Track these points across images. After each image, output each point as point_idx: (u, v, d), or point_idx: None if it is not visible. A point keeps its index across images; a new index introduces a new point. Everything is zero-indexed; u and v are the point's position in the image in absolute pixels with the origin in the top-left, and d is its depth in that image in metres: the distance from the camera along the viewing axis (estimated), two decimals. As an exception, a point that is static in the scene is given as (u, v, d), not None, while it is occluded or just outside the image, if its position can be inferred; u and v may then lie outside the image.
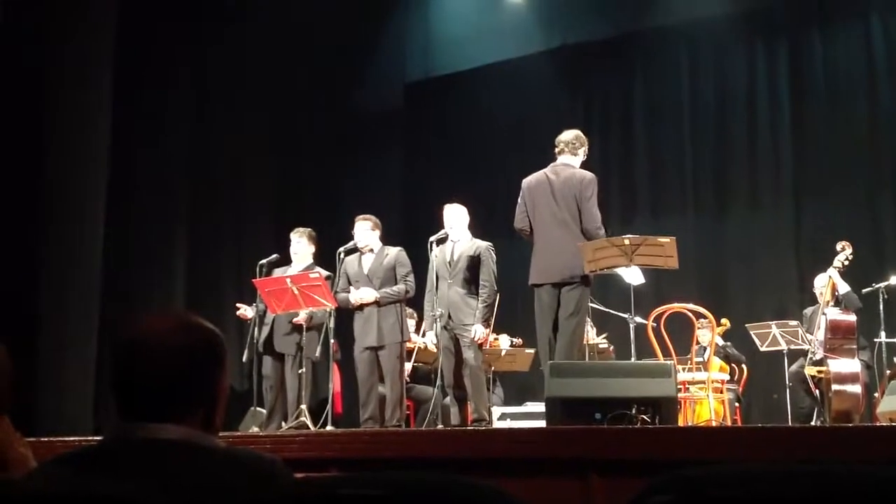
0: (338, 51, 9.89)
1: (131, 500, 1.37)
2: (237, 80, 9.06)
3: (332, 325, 6.46)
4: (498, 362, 7.64)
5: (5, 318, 5.89)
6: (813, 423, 6.85)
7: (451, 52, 10.41)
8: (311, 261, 6.77)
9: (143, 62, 7.91)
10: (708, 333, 7.33)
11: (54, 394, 6.69)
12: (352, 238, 6.60)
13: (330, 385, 6.57)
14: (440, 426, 6.22)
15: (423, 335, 6.95)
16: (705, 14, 9.29)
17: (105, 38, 7.36)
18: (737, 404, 7.70)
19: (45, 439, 4.55)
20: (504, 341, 7.85)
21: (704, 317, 6.99)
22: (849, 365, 6.53)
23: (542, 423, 5.61)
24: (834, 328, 6.64)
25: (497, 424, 7.05)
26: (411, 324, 7.20)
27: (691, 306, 6.71)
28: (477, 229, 6.71)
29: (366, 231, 6.58)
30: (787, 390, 7.23)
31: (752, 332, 7.50)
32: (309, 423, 6.11)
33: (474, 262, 6.38)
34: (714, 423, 6.57)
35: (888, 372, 6.62)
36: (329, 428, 6.10)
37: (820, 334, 6.81)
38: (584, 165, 5.94)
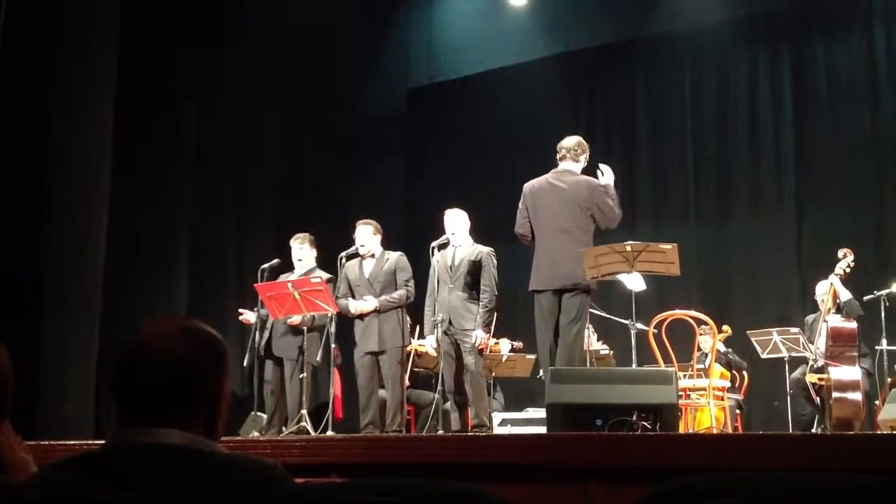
0: (341, 56, 9.90)
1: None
2: (241, 85, 9.07)
3: (333, 329, 6.46)
4: (498, 368, 7.64)
5: (6, 322, 5.89)
6: (814, 431, 6.85)
7: (454, 57, 10.43)
8: (314, 265, 6.78)
9: (147, 66, 7.92)
10: (709, 340, 7.33)
11: (55, 398, 6.68)
12: (353, 243, 6.61)
13: (330, 390, 6.57)
14: (441, 431, 6.22)
15: (418, 337, 6.96)
16: (708, 20, 9.31)
17: (110, 41, 7.37)
18: (738, 411, 7.70)
19: (46, 443, 4.55)
20: (504, 346, 7.84)
21: (706, 323, 6.99)
22: (850, 372, 6.52)
23: (542, 430, 5.61)
24: (835, 335, 6.64)
25: (497, 430, 7.05)
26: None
27: (693, 313, 6.70)
28: (478, 234, 6.71)
29: (367, 235, 6.58)
30: (788, 397, 7.23)
31: (753, 339, 7.49)
32: (309, 427, 6.11)
33: (475, 267, 6.38)
34: (715, 430, 6.57)
35: (889, 380, 6.60)
36: (329, 433, 6.10)
37: (821, 341, 6.80)
38: (585, 171, 5.94)
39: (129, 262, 7.85)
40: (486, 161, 10.43)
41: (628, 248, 5.35)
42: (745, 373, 7.93)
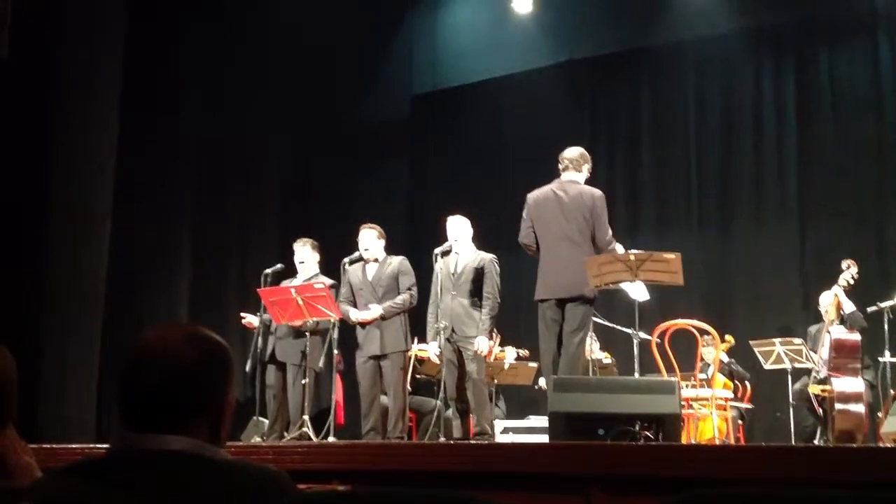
0: (345, 62, 9.92)
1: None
2: (245, 91, 9.09)
3: (335, 335, 6.44)
4: (501, 375, 7.62)
5: (9, 327, 5.89)
6: (816, 443, 6.83)
7: (458, 64, 10.44)
8: (317, 269, 6.78)
9: (152, 73, 7.94)
10: (712, 350, 7.32)
11: (57, 402, 6.68)
12: (356, 248, 6.60)
13: (332, 396, 6.56)
14: (442, 439, 6.20)
15: (419, 342, 6.95)
16: (712, 30, 9.31)
17: (115, 45, 7.38)
18: (740, 422, 7.68)
19: (47, 446, 4.55)
20: (510, 354, 7.83)
21: (709, 333, 6.97)
22: (853, 384, 6.50)
23: (544, 438, 5.59)
24: (838, 347, 6.62)
25: (500, 438, 7.03)
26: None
27: (696, 323, 6.68)
28: (481, 241, 6.70)
29: (372, 239, 6.58)
30: (791, 408, 7.21)
31: (756, 350, 7.47)
32: (311, 433, 6.10)
33: (478, 274, 6.38)
34: (717, 441, 6.55)
35: (892, 392, 6.59)
36: (331, 439, 6.09)
37: (824, 353, 6.79)
38: (588, 182, 5.95)
39: (130, 264, 7.86)
40: (489, 168, 10.43)
41: (632, 257, 5.34)
42: (747, 383, 7.91)
